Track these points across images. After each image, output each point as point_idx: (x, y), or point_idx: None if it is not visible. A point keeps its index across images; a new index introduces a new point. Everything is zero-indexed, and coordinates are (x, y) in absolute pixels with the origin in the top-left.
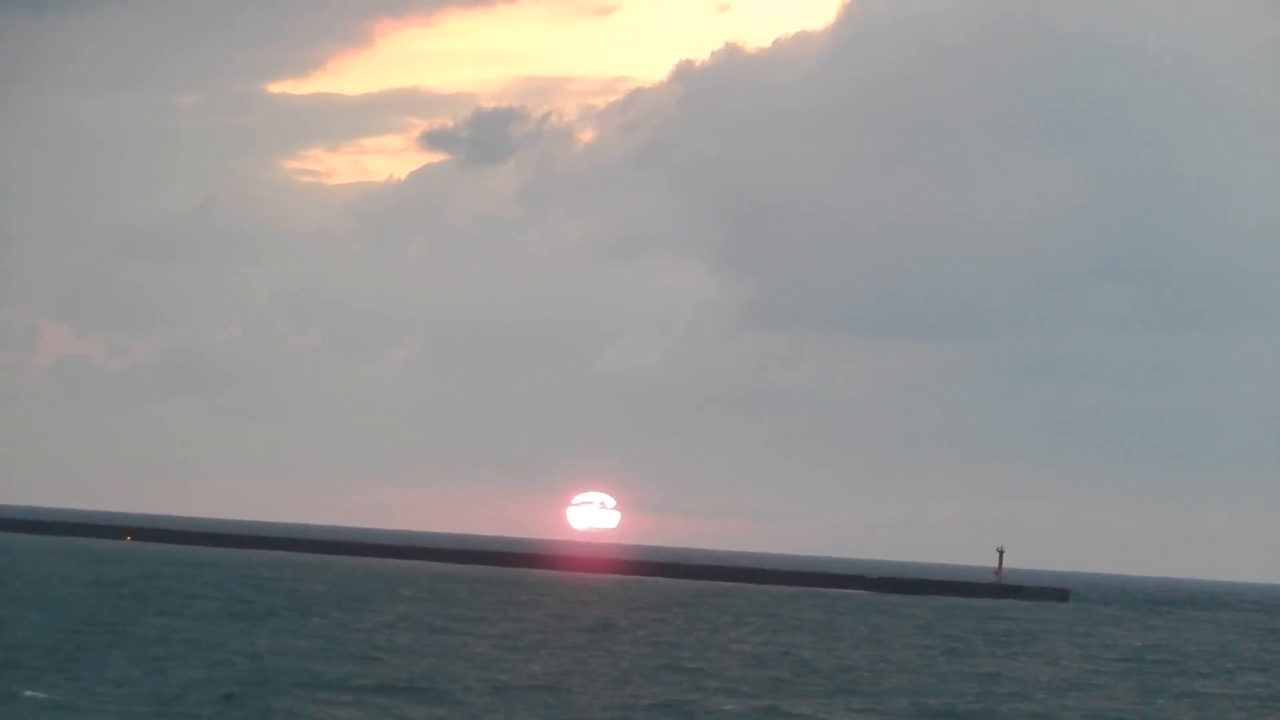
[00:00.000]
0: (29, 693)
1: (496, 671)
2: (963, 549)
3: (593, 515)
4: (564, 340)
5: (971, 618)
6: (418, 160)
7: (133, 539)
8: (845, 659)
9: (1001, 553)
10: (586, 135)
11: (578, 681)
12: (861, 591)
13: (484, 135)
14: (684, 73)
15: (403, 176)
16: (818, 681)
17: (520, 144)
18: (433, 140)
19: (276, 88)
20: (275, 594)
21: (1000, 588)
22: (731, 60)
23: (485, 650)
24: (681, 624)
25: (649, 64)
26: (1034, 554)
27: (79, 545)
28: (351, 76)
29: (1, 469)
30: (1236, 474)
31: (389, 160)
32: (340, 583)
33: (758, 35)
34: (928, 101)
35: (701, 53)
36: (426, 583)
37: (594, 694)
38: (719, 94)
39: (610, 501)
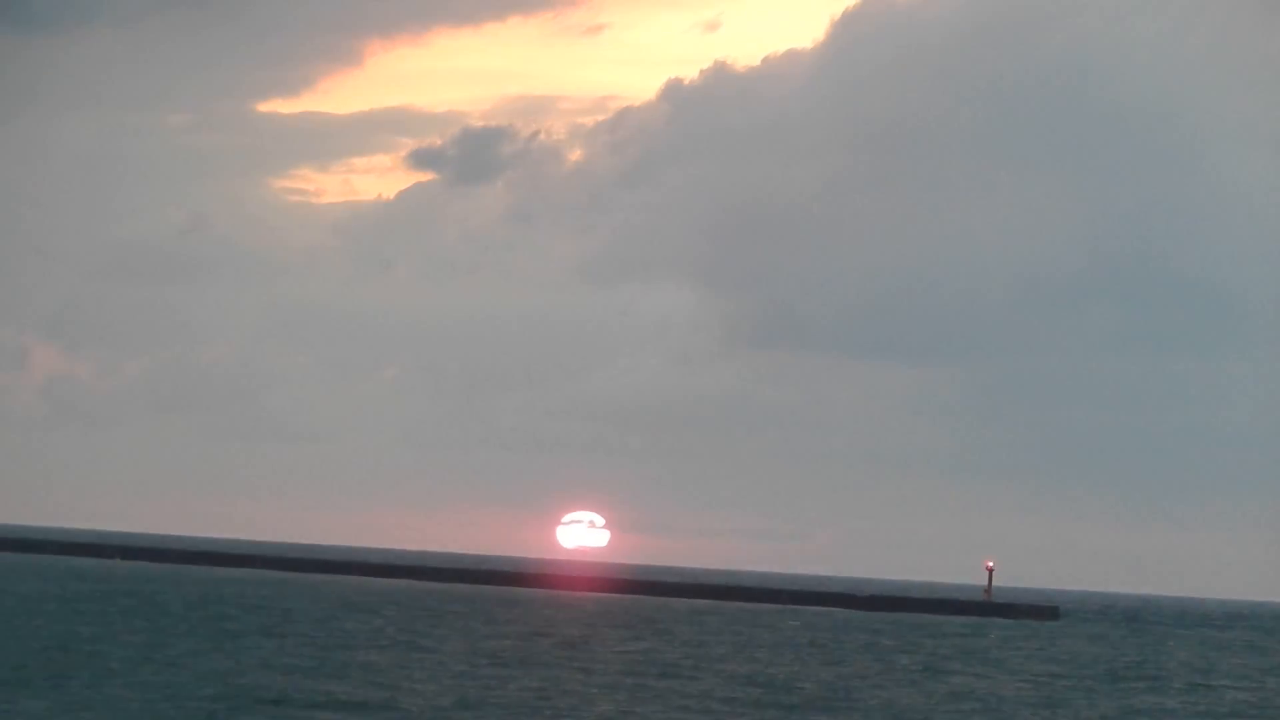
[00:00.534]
0: None
1: (476, 689)
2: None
3: (582, 534)
4: (553, 358)
5: (957, 635)
6: (406, 179)
7: (122, 559)
8: (825, 676)
9: (991, 571)
10: (575, 154)
11: (554, 699)
12: (849, 610)
13: (472, 154)
14: (673, 91)
15: (391, 196)
16: (797, 699)
17: (509, 163)
18: (421, 159)
19: (266, 107)
20: (257, 612)
21: (990, 606)
22: (721, 79)
23: (463, 668)
24: (664, 642)
25: (638, 82)
26: (1025, 572)
27: (65, 564)
28: (341, 96)
29: None
30: (1225, 493)
31: (378, 179)
32: (324, 601)
33: (747, 54)
34: (917, 120)
35: (691, 71)
36: (411, 601)
37: (569, 712)
38: (708, 112)
39: (599, 520)
